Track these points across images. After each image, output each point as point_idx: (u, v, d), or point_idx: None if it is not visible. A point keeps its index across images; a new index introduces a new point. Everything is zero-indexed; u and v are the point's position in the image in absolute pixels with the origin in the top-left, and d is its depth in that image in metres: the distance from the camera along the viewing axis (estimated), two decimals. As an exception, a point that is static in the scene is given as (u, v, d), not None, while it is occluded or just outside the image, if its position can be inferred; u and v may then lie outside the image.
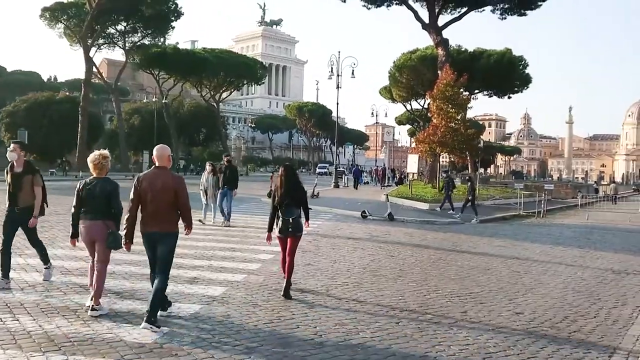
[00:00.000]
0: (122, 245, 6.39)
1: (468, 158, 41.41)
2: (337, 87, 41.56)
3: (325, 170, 75.74)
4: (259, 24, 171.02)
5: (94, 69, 62.66)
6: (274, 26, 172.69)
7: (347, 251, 12.35)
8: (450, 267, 10.91)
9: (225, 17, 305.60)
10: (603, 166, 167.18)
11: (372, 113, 68.56)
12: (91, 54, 59.62)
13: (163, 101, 68.15)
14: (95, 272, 6.56)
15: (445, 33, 37.43)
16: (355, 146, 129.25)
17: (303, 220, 8.13)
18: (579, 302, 8.46)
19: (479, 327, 6.76)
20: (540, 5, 39.11)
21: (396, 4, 39.84)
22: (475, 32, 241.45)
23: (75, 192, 6.63)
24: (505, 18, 40.28)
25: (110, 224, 6.54)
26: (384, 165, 69.83)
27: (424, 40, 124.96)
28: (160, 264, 6.26)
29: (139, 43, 63.62)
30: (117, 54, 69.03)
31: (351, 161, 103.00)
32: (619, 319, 7.54)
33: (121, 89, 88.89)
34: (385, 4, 40.08)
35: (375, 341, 6.01)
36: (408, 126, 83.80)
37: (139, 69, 73.13)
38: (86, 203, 6.56)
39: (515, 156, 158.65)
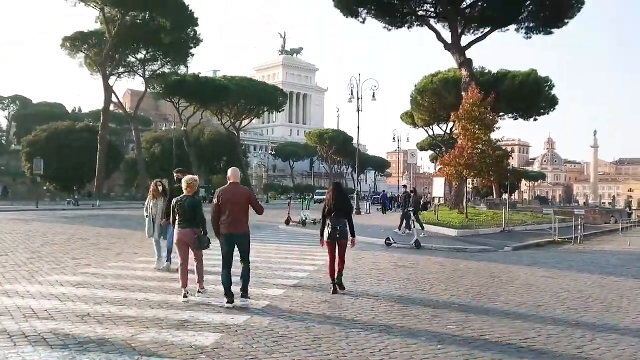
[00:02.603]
0: (207, 246, 8.43)
1: (493, 182, 39.66)
2: (358, 111, 40.33)
3: (324, 197, 74.00)
4: (280, 53, 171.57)
5: (114, 98, 62.29)
6: (295, 55, 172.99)
7: (371, 285, 10.74)
8: (495, 305, 9.20)
9: (246, 48, 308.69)
10: (630, 191, 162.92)
11: (394, 138, 67.24)
12: (111, 82, 59.55)
13: (182, 129, 67.45)
14: (196, 267, 8.66)
15: (468, 54, 36.00)
16: (377, 173, 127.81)
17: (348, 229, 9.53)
18: (662, 350, 6.76)
19: (548, 391, 5.13)
20: (567, 23, 37.07)
21: (417, 25, 38.56)
22: (497, 53, 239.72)
23: (171, 207, 8.57)
24: (530, 37, 38.27)
25: (197, 230, 8.26)
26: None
27: (445, 63, 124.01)
28: (244, 256, 8.15)
29: (159, 71, 63.06)
30: (140, 84, 68.73)
31: (372, 188, 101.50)
32: None
33: (143, 118, 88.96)
34: (407, 25, 38.74)
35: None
36: (430, 152, 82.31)
37: (160, 98, 72.69)
38: (179, 215, 8.23)
39: (539, 182, 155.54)
